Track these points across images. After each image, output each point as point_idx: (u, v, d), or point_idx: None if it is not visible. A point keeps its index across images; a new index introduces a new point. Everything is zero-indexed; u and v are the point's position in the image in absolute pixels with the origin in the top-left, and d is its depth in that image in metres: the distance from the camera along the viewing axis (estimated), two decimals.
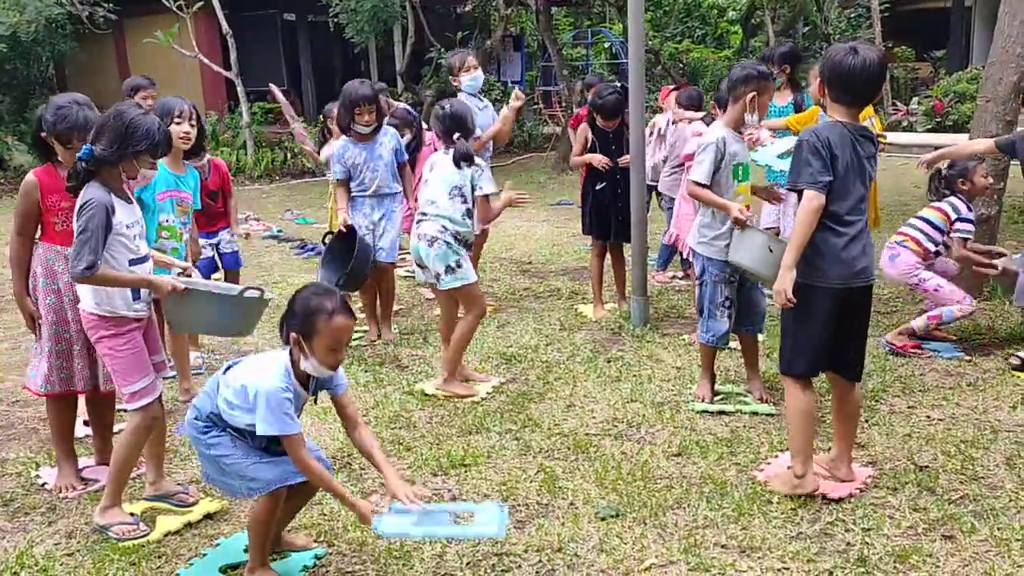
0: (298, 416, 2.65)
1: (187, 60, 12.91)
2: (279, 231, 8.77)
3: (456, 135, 4.20)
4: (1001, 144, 4.33)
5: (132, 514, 3.13)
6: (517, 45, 18.81)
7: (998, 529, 2.87)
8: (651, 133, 6.15)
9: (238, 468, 2.65)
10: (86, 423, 3.72)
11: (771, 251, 3.46)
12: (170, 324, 3.69)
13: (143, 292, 3.10)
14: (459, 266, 4.21)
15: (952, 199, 4.66)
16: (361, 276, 4.94)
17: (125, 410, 3.16)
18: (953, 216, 4.63)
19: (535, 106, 17.10)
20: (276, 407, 2.55)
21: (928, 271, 4.66)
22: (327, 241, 5.13)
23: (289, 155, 13.07)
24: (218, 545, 2.99)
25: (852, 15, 20.16)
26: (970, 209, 4.66)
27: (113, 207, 2.92)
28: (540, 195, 10.81)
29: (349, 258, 4.83)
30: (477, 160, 4.25)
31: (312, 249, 7.77)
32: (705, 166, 3.88)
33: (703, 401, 4.02)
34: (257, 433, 2.60)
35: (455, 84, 5.62)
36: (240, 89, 12.89)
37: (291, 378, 2.63)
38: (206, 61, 13.04)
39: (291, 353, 2.64)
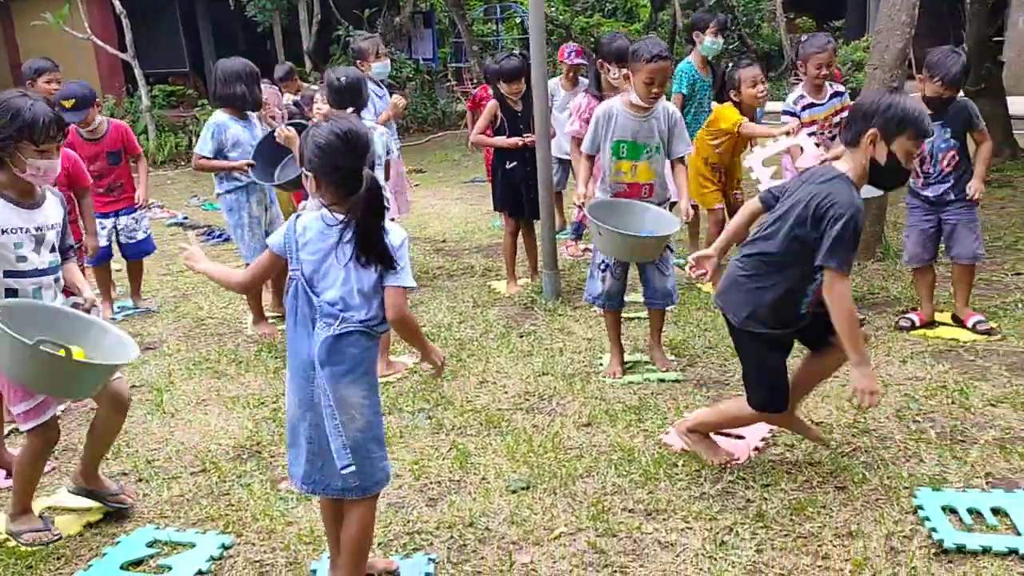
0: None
1: (80, 42, 12.34)
2: (184, 218, 8.51)
3: (351, 108, 4.11)
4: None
5: (42, 517, 2.95)
6: (428, 22, 18.59)
7: (887, 478, 3.02)
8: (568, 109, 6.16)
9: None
10: None
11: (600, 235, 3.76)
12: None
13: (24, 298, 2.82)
14: None
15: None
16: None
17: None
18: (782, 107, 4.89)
19: (447, 83, 16.97)
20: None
21: None
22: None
23: (194, 139, 12.66)
24: (118, 543, 2.90)
25: None
26: (797, 100, 4.85)
27: None
28: (454, 173, 10.77)
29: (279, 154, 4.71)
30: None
31: (219, 236, 7.57)
32: (587, 136, 3.94)
33: (614, 378, 4.08)
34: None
35: (363, 69, 5.53)
36: (138, 71, 12.40)
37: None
38: (100, 43, 12.49)
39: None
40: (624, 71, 4.22)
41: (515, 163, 5.39)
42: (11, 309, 2.67)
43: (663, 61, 3.77)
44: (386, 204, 2.64)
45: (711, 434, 3.26)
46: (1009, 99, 8.48)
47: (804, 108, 4.83)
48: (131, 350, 2.77)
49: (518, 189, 5.44)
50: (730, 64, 5.75)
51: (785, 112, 4.86)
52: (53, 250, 2.91)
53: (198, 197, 9.59)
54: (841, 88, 4.98)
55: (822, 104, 4.86)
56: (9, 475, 3.19)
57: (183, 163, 12.31)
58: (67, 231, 3.05)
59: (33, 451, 2.86)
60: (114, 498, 3.07)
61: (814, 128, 4.80)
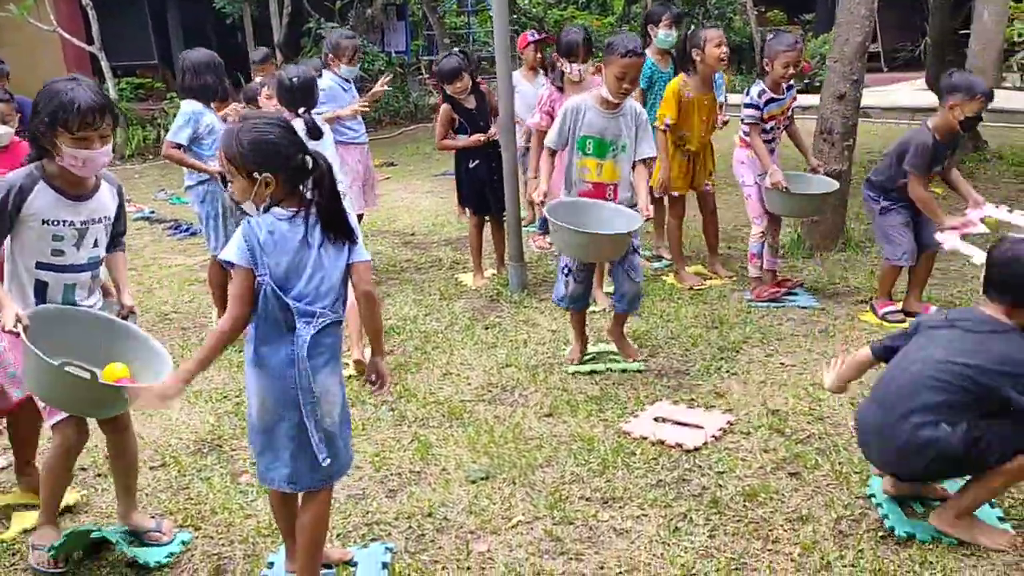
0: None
1: (46, 35, 12.16)
2: (151, 212, 8.42)
3: (302, 108, 4.08)
4: None
5: (51, 548, 2.71)
6: (400, 14, 18.50)
7: (839, 464, 3.08)
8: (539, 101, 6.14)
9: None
10: None
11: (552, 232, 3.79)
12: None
13: (54, 300, 2.66)
14: None
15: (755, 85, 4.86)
16: None
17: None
18: (745, 100, 4.82)
19: (419, 76, 16.92)
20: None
21: (750, 174, 4.87)
22: None
23: (163, 132, 12.54)
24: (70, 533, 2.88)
25: None
26: (760, 94, 4.78)
27: (27, 191, 2.52)
28: (425, 167, 10.74)
29: None
30: (325, 129, 4.25)
31: (186, 230, 7.51)
32: (553, 131, 3.87)
33: (573, 363, 4.11)
34: None
35: (333, 66, 5.49)
36: (104, 64, 12.24)
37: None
38: (66, 35, 12.31)
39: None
40: (582, 65, 4.23)
41: (478, 161, 5.38)
42: (44, 316, 2.55)
43: (636, 57, 3.74)
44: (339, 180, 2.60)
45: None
46: None
47: (767, 103, 4.86)
48: (166, 366, 2.60)
49: (483, 186, 5.44)
50: (692, 26, 5.66)
51: (748, 105, 4.86)
52: (96, 245, 2.70)
53: (165, 191, 9.49)
54: (793, 81, 4.99)
55: (782, 99, 4.91)
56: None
57: (151, 157, 12.18)
58: (121, 219, 2.85)
59: (57, 452, 2.69)
60: (151, 536, 2.87)
61: (773, 124, 4.86)
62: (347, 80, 5.56)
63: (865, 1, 5.30)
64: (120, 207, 2.83)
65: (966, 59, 8.19)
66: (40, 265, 2.61)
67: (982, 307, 2.62)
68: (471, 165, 5.40)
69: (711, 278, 5.32)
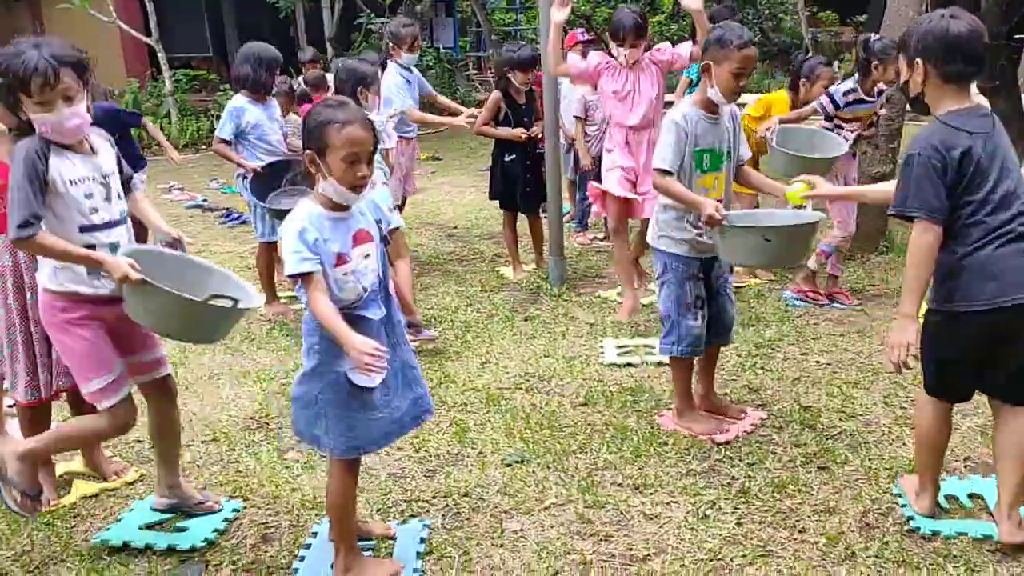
0: (353, 247, 2.38)
1: (106, 26, 12.54)
2: (204, 200, 8.69)
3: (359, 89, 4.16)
4: None
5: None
6: (449, 10, 18.69)
7: (869, 460, 3.12)
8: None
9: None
10: None
11: (768, 241, 3.07)
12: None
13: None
14: None
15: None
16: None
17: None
18: (821, 113, 4.78)
19: (466, 72, 17.07)
20: (286, 245, 2.31)
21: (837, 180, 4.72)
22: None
23: (215, 123, 12.85)
24: (132, 509, 3.05)
25: None
26: (848, 92, 4.70)
27: (45, 155, 2.47)
28: (469, 161, 10.88)
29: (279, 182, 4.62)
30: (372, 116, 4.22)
31: (237, 218, 7.74)
32: (669, 151, 3.21)
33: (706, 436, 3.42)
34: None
35: (395, 56, 5.57)
36: (162, 56, 12.59)
37: (313, 210, 2.35)
38: (125, 27, 12.68)
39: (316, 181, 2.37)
40: (628, 50, 4.15)
41: (514, 156, 5.47)
42: (139, 257, 2.55)
43: (754, 47, 3.21)
44: None
45: None
46: None
47: (851, 103, 4.70)
48: (254, 295, 2.68)
49: (515, 182, 5.51)
50: (808, 54, 5.50)
51: (829, 96, 4.74)
52: (120, 197, 2.69)
53: (217, 181, 9.77)
54: (884, 87, 4.83)
55: (872, 102, 4.78)
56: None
57: (204, 147, 12.50)
58: (121, 164, 2.77)
59: (99, 426, 2.71)
60: (200, 506, 2.97)
61: (855, 126, 4.82)
62: (409, 69, 5.65)
63: (913, 3, 5.28)
64: (116, 155, 2.76)
65: (1020, 62, 8.08)
66: (83, 229, 2.56)
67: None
68: (507, 159, 5.51)
69: (752, 278, 5.35)
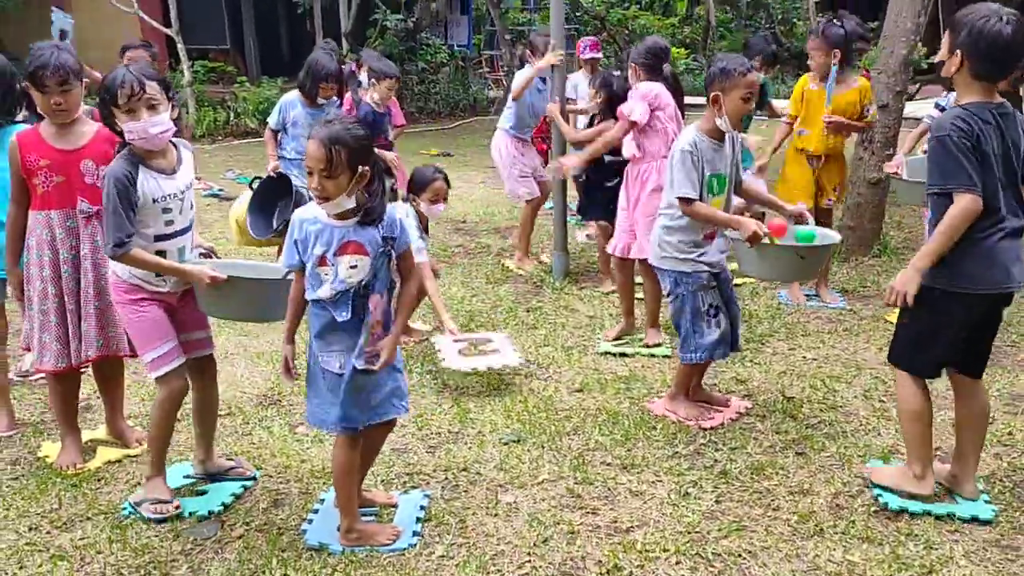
0: (338, 255, 2.57)
1: (127, 16, 12.79)
2: (219, 190, 8.91)
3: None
4: None
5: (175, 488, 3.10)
6: (464, 8, 18.90)
7: (844, 447, 3.31)
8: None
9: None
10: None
11: (803, 258, 3.35)
12: (203, 311, 3.11)
13: (172, 259, 2.93)
14: None
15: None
16: None
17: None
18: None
19: (480, 70, 17.27)
20: (287, 240, 2.61)
21: None
22: (255, 186, 5.00)
23: (232, 115, 13.10)
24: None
25: None
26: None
27: (131, 178, 2.77)
28: (480, 158, 11.06)
29: (276, 204, 4.93)
30: None
31: None
32: (685, 177, 3.35)
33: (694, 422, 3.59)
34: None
35: (531, 61, 5.62)
36: (181, 47, 12.83)
37: (307, 215, 2.61)
38: (145, 18, 12.93)
39: None
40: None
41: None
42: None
43: (754, 72, 3.42)
44: None
45: None
46: None
47: None
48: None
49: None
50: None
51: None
52: (192, 207, 3.00)
53: (233, 171, 9.99)
54: None
55: None
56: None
57: (220, 137, 12.74)
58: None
59: (162, 406, 2.94)
60: (235, 471, 3.21)
61: None
62: (543, 79, 5.73)
63: (911, 15, 5.45)
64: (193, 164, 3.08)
65: None
66: (158, 238, 2.88)
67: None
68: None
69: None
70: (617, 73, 5.05)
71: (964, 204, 2.58)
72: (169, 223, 2.89)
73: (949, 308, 2.73)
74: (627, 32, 19.77)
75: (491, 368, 3.95)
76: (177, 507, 2.97)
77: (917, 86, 15.11)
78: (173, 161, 2.91)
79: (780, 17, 17.99)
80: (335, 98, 5.29)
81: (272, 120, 5.28)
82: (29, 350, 3.32)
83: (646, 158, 4.37)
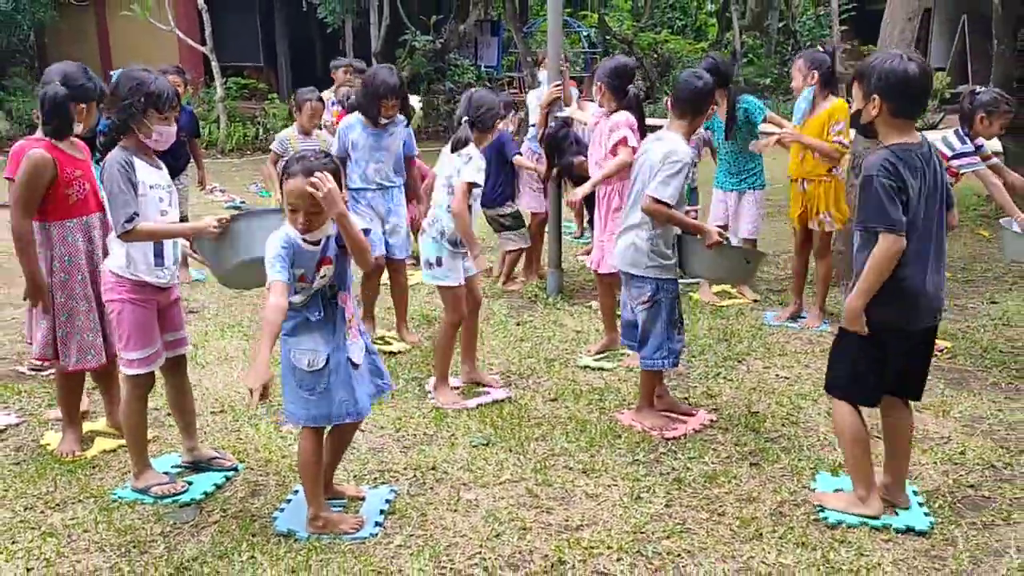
0: (317, 271, 2.80)
1: (164, 34, 13.28)
2: (241, 203, 9.24)
3: (465, 119, 3.91)
4: None
5: (167, 472, 3.36)
6: (495, 30, 19.25)
7: (798, 460, 3.44)
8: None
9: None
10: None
11: (748, 262, 3.85)
12: (219, 279, 3.32)
13: (167, 259, 3.17)
14: (438, 264, 4.03)
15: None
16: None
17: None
18: (948, 153, 4.50)
19: (504, 91, 17.55)
20: (268, 256, 2.74)
21: None
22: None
23: (261, 130, 13.51)
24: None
25: (821, 13, 20.76)
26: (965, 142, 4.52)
27: (131, 164, 3.02)
28: None
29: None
30: (468, 148, 3.92)
31: None
32: (674, 187, 3.56)
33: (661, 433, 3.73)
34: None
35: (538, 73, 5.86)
36: (215, 64, 13.28)
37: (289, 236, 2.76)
38: (182, 35, 13.41)
39: None
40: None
41: None
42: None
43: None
44: None
45: None
46: None
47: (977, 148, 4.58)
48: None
49: None
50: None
51: (967, 153, 4.53)
52: (177, 204, 3.27)
53: (257, 184, 10.33)
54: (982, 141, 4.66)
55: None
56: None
57: (248, 152, 13.14)
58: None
59: (130, 405, 3.20)
60: (216, 462, 3.44)
61: None
62: None
63: (906, 36, 5.55)
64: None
65: None
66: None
67: None
68: None
69: (735, 297, 5.66)
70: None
71: (887, 245, 2.71)
72: (164, 212, 3.14)
73: (885, 343, 2.87)
74: (656, 56, 20.07)
75: (480, 405, 4.05)
76: (183, 486, 3.24)
77: (941, 115, 15.22)
78: (156, 161, 3.21)
79: (808, 44, 18.09)
80: (401, 117, 4.85)
81: (335, 148, 4.87)
82: (47, 359, 3.53)
83: (612, 180, 4.56)
